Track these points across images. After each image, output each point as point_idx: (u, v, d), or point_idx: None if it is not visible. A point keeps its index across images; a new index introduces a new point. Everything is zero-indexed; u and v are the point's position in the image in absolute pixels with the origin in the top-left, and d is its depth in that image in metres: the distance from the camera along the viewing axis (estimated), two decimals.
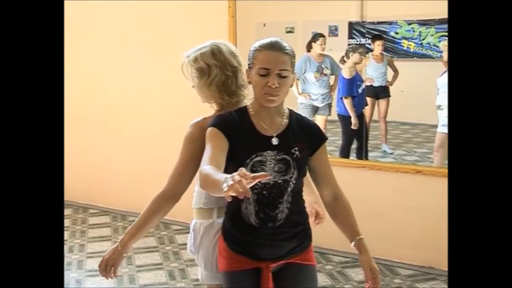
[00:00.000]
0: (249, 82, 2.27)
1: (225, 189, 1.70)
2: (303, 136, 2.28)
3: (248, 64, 2.24)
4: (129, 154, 5.81)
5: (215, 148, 2.13)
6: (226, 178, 1.74)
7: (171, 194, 2.36)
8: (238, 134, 2.20)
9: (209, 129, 2.21)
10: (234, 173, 1.72)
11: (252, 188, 2.15)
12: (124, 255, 2.36)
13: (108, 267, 2.33)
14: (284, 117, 2.29)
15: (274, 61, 2.14)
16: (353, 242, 2.31)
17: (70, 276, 4.49)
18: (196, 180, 2.35)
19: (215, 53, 2.44)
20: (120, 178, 5.88)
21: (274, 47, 2.16)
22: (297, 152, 2.24)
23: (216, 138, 2.17)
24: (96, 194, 6.12)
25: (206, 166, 2.02)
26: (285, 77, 2.16)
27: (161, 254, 4.92)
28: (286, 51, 2.17)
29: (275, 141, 2.22)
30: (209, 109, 2.57)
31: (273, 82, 2.13)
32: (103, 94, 5.97)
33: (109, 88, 5.91)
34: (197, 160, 2.23)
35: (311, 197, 2.57)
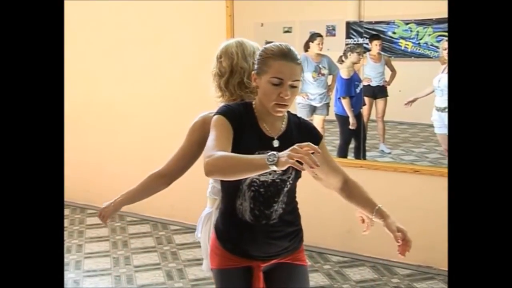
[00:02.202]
0: (256, 86, 2.23)
1: (289, 161, 1.80)
2: (300, 138, 2.27)
3: (257, 69, 2.21)
4: (127, 154, 5.80)
5: (222, 137, 2.12)
6: (272, 153, 1.85)
7: (164, 175, 2.52)
8: (243, 128, 2.19)
9: (217, 116, 2.19)
10: (294, 147, 1.83)
11: (249, 185, 2.19)
12: (115, 212, 2.63)
13: (101, 216, 2.61)
14: (284, 120, 2.29)
15: (288, 72, 2.13)
16: (374, 213, 2.29)
17: (68, 276, 4.49)
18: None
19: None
20: (118, 178, 5.85)
21: (288, 57, 2.15)
22: None
23: (222, 126, 2.16)
24: (94, 194, 6.11)
25: (221, 152, 2.03)
26: (296, 87, 2.17)
27: (159, 254, 4.92)
28: (298, 61, 2.17)
29: (276, 143, 2.22)
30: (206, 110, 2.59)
31: (286, 93, 2.13)
32: (101, 95, 5.96)
33: (107, 89, 5.91)
34: (194, 150, 2.46)
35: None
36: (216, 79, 2.51)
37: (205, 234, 2.66)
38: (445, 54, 4.34)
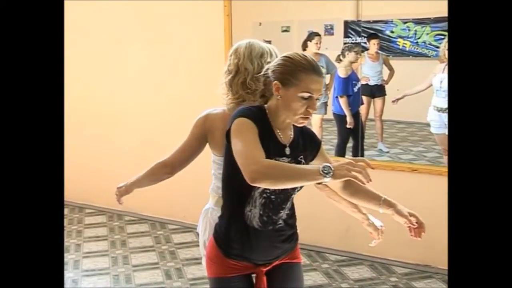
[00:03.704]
0: (277, 95, 2.17)
1: (349, 174, 1.92)
2: (304, 145, 2.30)
3: (282, 79, 2.16)
4: (125, 154, 5.80)
5: (257, 142, 2.07)
6: (326, 165, 1.93)
7: (167, 165, 2.63)
8: (263, 134, 2.14)
9: (243, 119, 2.12)
10: (351, 162, 1.94)
11: (262, 192, 2.19)
12: (127, 193, 2.79)
13: (115, 195, 2.81)
14: (291, 127, 2.28)
15: (318, 87, 2.14)
16: (381, 204, 2.27)
17: (66, 276, 4.48)
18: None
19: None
20: (116, 177, 5.81)
21: (318, 71, 2.14)
22: (303, 160, 2.26)
23: (253, 130, 2.10)
24: (92, 193, 6.11)
25: (268, 159, 2.03)
26: (318, 99, 2.17)
27: (157, 254, 4.91)
28: (323, 74, 2.19)
29: (287, 150, 2.22)
30: (200, 112, 2.61)
31: (314, 107, 2.13)
32: (99, 95, 5.95)
33: (105, 89, 5.90)
34: (194, 145, 2.57)
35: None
36: (225, 76, 2.55)
37: (202, 230, 2.69)
38: (447, 53, 4.34)
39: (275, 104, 2.20)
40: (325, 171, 1.92)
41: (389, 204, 2.26)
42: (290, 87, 2.13)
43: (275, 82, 2.17)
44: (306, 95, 2.12)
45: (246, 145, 2.06)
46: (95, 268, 4.65)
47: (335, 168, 1.92)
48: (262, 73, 2.27)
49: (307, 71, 2.13)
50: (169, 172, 2.62)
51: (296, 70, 2.13)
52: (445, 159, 4.51)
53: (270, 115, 2.21)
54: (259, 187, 2.15)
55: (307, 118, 2.17)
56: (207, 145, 2.61)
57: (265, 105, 2.25)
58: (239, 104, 2.46)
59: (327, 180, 1.93)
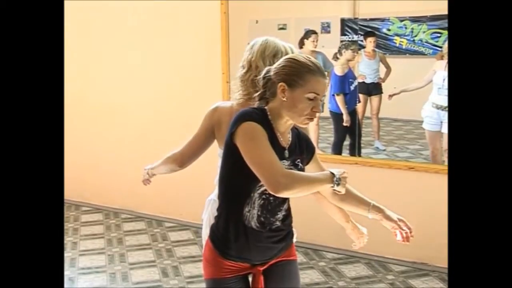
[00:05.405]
0: (283, 97, 2.17)
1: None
2: (301, 149, 2.31)
3: (287, 80, 2.16)
4: (122, 152, 5.79)
5: (271, 149, 2.11)
6: (338, 178, 2.14)
7: (176, 158, 2.70)
8: (268, 137, 2.14)
9: (253, 124, 2.12)
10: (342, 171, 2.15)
11: (261, 193, 2.20)
12: (150, 176, 2.87)
13: (143, 175, 2.88)
14: (289, 132, 2.29)
15: (323, 88, 2.17)
16: (369, 209, 2.32)
17: None
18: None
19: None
20: (113, 175, 5.86)
21: (322, 72, 2.18)
22: (300, 164, 2.28)
23: (265, 137, 2.12)
24: (88, 191, 6.10)
25: (290, 171, 2.14)
26: (320, 99, 2.20)
27: (154, 252, 4.91)
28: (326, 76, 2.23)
29: (286, 153, 2.23)
30: (198, 111, 2.61)
31: (319, 108, 2.15)
32: (96, 92, 5.94)
33: (102, 86, 5.89)
34: (202, 138, 2.63)
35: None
36: (239, 70, 2.57)
37: (204, 223, 2.74)
38: None
39: (277, 106, 2.20)
40: (337, 182, 2.12)
41: (377, 210, 2.33)
42: (296, 88, 2.14)
43: (281, 83, 2.17)
44: (312, 96, 2.13)
45: (263, 154, 2.09)
46: (92, 266, 4.64)
47: (343, 180, 2.14)
48: (262, 75, 2.26)
49: (313, 72, 2.14)
50: (179, 165, 2.70)
51: (303, 71, 2.14)
52: (431, 157, 4.55)
53: (271, 117, 2.21)
54: (259, 188, 2.17)
55: (312, 118, 2.18)
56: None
57: (266, 107, 2.24)
58: (248, 100, 2.48)
59: (336, 188, 2.14)
